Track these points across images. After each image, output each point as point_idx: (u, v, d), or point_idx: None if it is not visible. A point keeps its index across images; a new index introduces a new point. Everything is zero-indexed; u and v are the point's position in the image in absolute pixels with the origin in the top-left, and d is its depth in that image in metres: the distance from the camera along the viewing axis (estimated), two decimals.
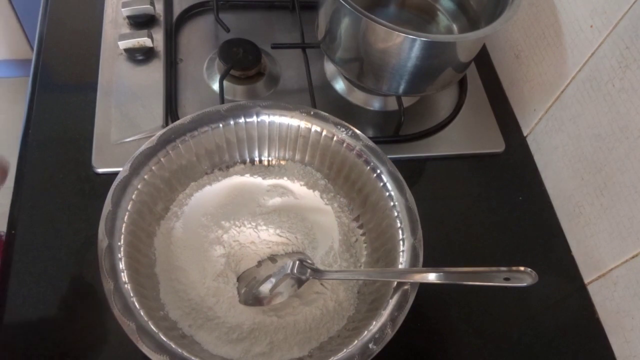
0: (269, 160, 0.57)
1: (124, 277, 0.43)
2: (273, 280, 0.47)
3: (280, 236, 0.51)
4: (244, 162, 0.56)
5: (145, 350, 0.40)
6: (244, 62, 0.66)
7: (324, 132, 0.53)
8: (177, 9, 0.72)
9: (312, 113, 0.53)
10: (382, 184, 0.51)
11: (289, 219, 0.52)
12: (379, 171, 0.51)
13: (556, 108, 0.63)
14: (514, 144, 0.69)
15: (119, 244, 0.44)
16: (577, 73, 0.59)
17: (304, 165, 0.57)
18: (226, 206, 0.52)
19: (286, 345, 0.46)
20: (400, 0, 0.71)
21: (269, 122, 0.54)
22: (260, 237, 0.51)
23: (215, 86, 0.66)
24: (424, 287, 0.46)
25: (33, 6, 0.77)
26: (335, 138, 0.53)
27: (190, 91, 0.66)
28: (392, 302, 0.44)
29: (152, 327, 0.41)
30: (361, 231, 0.54)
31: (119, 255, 0.43)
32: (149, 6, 0.68)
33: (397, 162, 0.52)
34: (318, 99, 0.64)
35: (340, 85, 0.69)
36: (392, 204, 0.50)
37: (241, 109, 0.53)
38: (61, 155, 0.59)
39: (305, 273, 0.48)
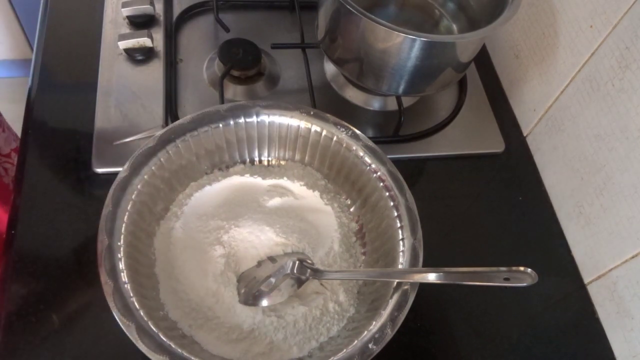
0: (268, 161, 0.57)
1: (124, 277, 0.43)
2: (273, 280, 0.47)
3: (280, 236, 0.51)
4: (243, 162, 0.56)
5: (145, 350, 0.40)
6: (243, 62, 0.66)
7: (324, 132, 0.53)
8: (177, 9, 0.72)
9: (312, 113, 0.53)
10: (382, 184, 0.51)
11: (289, 219, 0.52)
12: (378, 171, 0.51)
13: (556, 108, 0.63)
14: (513, 144, 0.69)
15: (119, 244, 0.44)
16: (577, 73, 0.59)
17: (304, 165, 0.57)
18: (226, 206, 0.52)
19: (286, 345, 0.46)
20: (400, 0, 0.71)
21: (269, 122, 0.54)
22: (260, 238, 0.51)
23: (215, 86, 0.66)
24: (424, 287, 0.46)
25: (33, 6, 0.77)
26: (335, 138, 0.53)
27: (190, 91, 0.66)
28: (392, 302, 0.44)
29: (152, 327, 0.41)
30: (361, 231, 0.54)
31: (119, 255, 0.43)
32: (149, 6, 0.67)
33: (397, 162, 0.52)
34: (318, 99, 0.64)
35: (340, 85, 0.69)
36: (392, 204, 0.50)
37: (241, 109, 0.53)
38: (61, 155, 0.59)
39: (305, 273, 0.48)
